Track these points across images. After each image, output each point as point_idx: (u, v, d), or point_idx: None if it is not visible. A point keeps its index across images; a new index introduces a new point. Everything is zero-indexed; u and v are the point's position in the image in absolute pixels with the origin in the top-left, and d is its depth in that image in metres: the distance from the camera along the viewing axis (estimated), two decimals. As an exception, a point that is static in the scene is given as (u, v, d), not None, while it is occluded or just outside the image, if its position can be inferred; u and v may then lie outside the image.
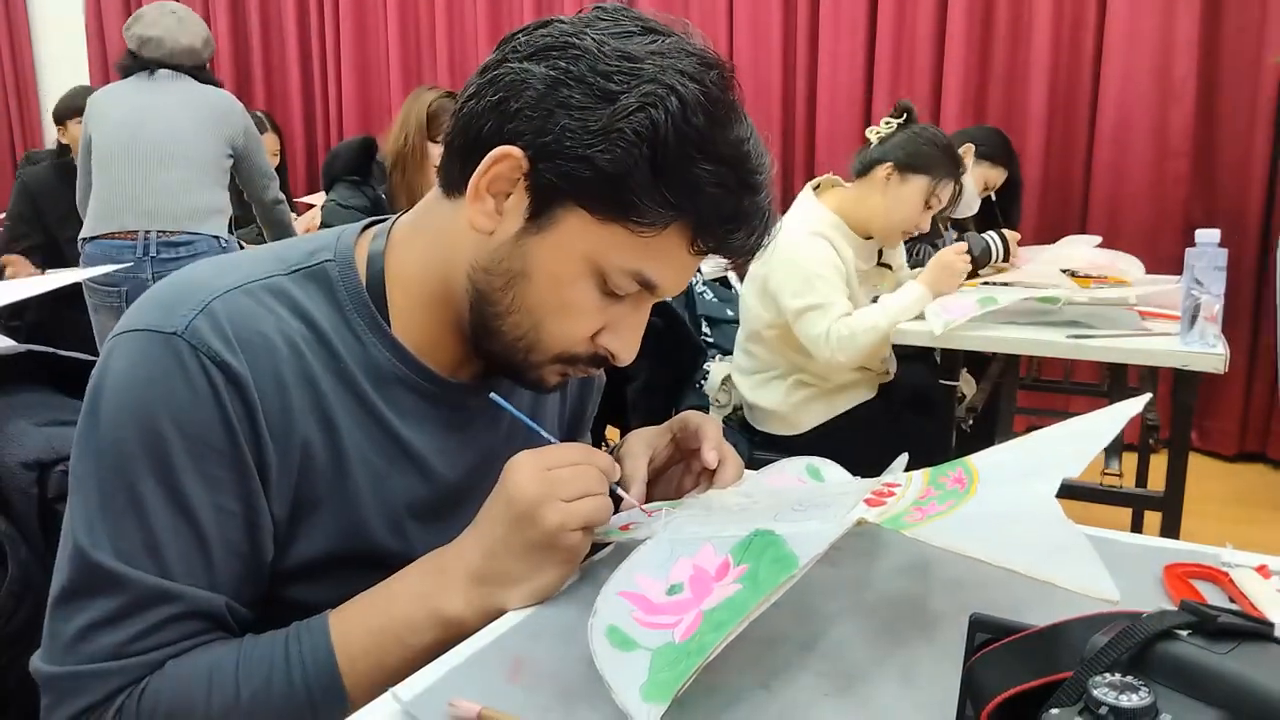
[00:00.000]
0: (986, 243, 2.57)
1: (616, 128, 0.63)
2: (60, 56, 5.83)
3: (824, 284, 2.03)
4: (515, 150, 0.66)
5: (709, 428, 0.83)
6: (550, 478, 0.65)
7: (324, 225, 3.08)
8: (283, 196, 3.00)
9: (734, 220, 0.67)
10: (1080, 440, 0.67)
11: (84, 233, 2.71)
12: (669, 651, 0.54)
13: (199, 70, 2.78)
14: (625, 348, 0.73)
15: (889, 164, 2.10)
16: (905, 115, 2.15)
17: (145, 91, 2.69)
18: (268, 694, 0.63)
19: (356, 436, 0.71)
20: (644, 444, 0.83)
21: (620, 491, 0.73)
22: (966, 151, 2.71)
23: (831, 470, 0.86)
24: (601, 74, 0.64)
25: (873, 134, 2.18)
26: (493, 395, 0.74)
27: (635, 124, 0.63)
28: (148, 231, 2.62)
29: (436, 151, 2.80)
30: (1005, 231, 2.62)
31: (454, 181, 0.71)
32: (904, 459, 0.80)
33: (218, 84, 2.84)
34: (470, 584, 0.66)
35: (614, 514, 0.75)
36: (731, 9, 4.09)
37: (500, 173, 0.67)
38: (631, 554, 0.66)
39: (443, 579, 0.67)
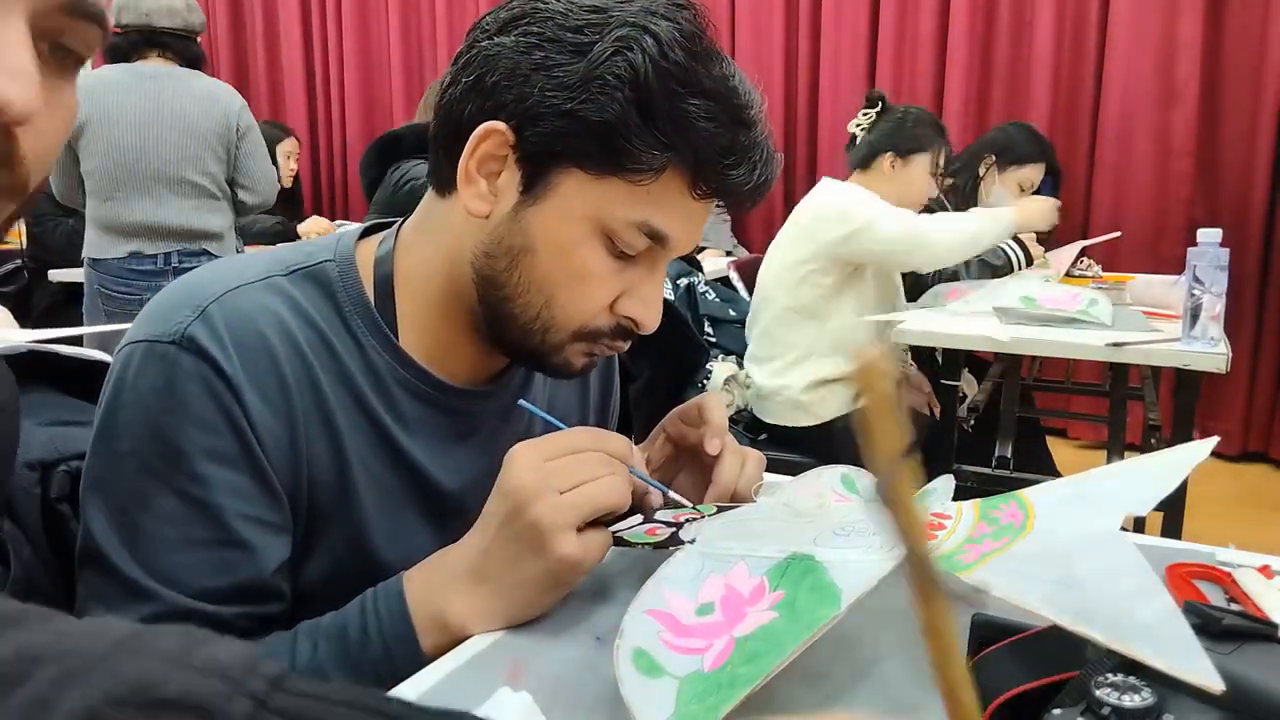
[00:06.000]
0: (1005, 253, 2.57)
1: (595, 75, 0.62)
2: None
3: (864, 205, 2.12)
4: (499, 124, 0.64)
5: (713, 410, 0.78)
6: (547, 468, 0.61)
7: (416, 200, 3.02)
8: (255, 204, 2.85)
9: (731, 154, 0.65)
10: (1144, 480, 0.63)
11: (92, 253, 2.62)
12: (697, 681, 0.52)
13: (188, 45, 2.61)
14: (648, 312, 0.70)
15: (889, 153, 2.21)
16: (880, 104, 2.29)
17: (144, 100, 2.54)
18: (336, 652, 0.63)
19: (357, 441, 0.70)
20: (636, 450, 0.79)
21: (640, 473, 0.69)
22: (987, 164, 2.72)
23: (866, 481, 0.81)
24: (571, 29, 0.63)
25: (855, 128, 2.30)
26: (522, 401, 0.72)
27: (614, 69, 0.62)
28: (167, 253, 2.60)
29: None
30: (1021, 237, 2.61)
31: (444, 177, 0.69)
32: (949, 481, 0.76)
33: (204, 62, 2.69)
34: (471, 585, 0.63)
35: (638, 513, 0.72)
36: (734, 8, 4.09)
37: (488, 150, 0.65)
38: (660, 567, 0.63)
39: (445, 577, 0.64)
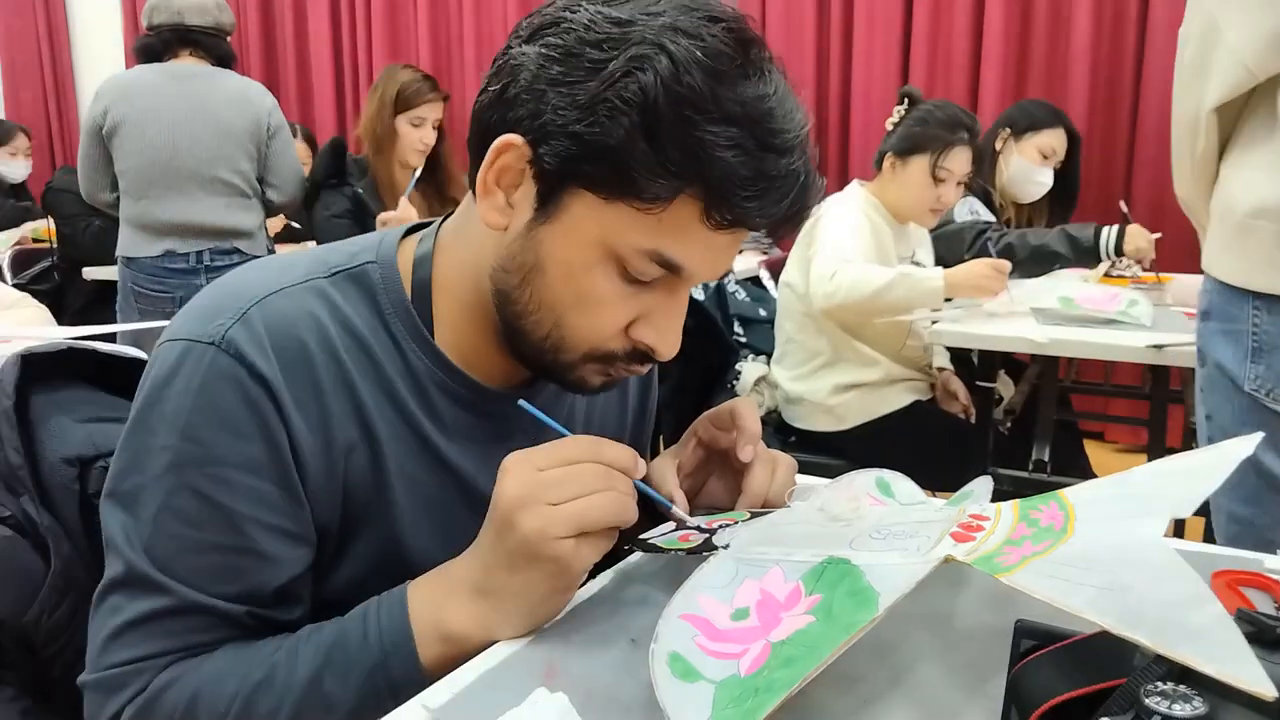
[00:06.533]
0: (1096, 234, 2.44)
1: (604, 98, 0.59)
2: (99, 57, 5.93)
3: (827, 232, 2.08)
4: (516, 138, 0.63)
5: (746, 416, 0.76)
6: (537, 479, 0.59)
7: (318, 241, 3.06)
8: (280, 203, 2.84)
9: (753, 185, 0.60)
10: (1187, 479, 0.61)
11: (126, 252, 2.66)
12: (733, 685, 0.51)
13: (219, 44, 2.64)
14: (662, 340, 0.67)
15: (889, 153, 2.16)
16: (907, 100, 2.21)
17: (177, 100, 2.56)
18: (334, 658, 0.62)
19: (395, 447, 0.70)
20: (667, 455, 0.79)
21: (644, 486, 0.67)
22: (1003, 138, 2.67)
23: (901, 484, 0.80)
24: (590, 44, 0.61)
25: (889, 124, 2.23)
26: (521, 402, 0.69)
27: (623, 91, 0.59)
28: (199, 251, 2.64)
29: (405, 128, 2.63)
30: (1132, 227, 2.48)
31: (475, 181, 0.69)
32: (987, 483, 0.75)
33: (234, 61, 2.71)
34: (471, 597, 0.62)
35: (660, 523, 0.72)
36: (764, 4, 4.08)
37: (506, 163, 0.64)
38: (694, 572, 0.63)
39: (448, 588, 0.63)
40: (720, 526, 0.69)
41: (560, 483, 0.59)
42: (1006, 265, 2.01)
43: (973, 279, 1.98)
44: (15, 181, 4.29)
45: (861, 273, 1.98)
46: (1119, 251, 2.44)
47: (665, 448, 0.83)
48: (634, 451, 0.64)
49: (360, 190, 2.77)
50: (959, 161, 2.11)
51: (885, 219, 2.19)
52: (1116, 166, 3.51)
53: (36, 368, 0.80)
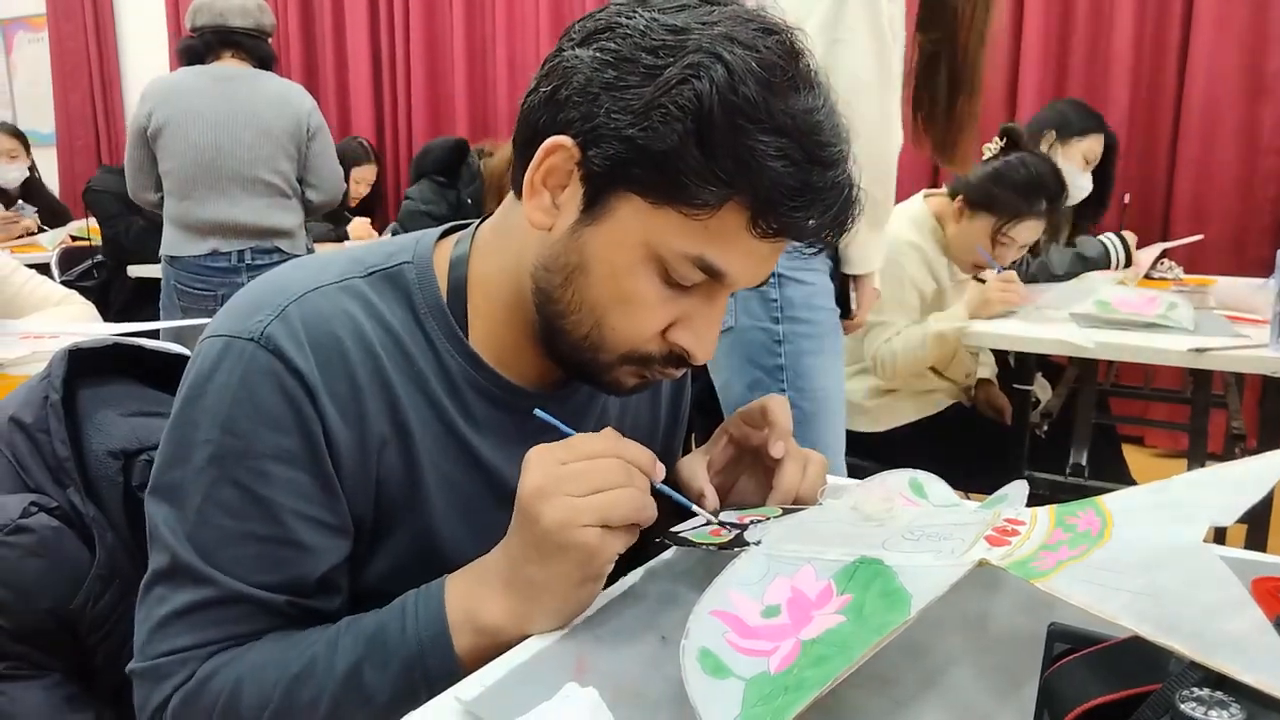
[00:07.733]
0: (1104, 246, 2.48)
1: (659, 104, 0.60)
2: (145, 60, 6.04)
3: (895, 305, 2.05)
4: (566, 139, 0.64)
5: (777, 413, 0.76)
6: (559, 473, 0.60)
7: (399, 226, 3.09)
8: (315, 203, 2.86)
9: (799, 196, 0.61)
10: (1228, 489, 0.60)
11: (170, 251, 2.71)
12: (763, 683, 0.51)
13: (259, 45, 2.68)
14: (699, 344, 0.68)
15: (960, 196, 2.08)
16: (1006, 139, 2.12)
17: (219, 102, 2.60)
18: (373, 649, 0.63)
19: (429, 444, 0.71)
20: (698, 452, 0.79)
21: (663, 487, 0.67)
22: (1048, 142, 2.65)
23: (934, 485, 0.80)
24: (647, 50, 0.61)
25: (987, 151, 2.14)
26: (538, 411, 0.69)
27: (677, 98, 0.60)
28: (241, 250, 2.68)
29: None
30: (1126, 234, 2.53)
31: (520, 181, 0.69)
32: (1023, 487, 0.75)
33: (275, 62, 2.75)
34: (503, 590, 0.63)
35: (680, 523, 0.72)
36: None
37: (554, 164, 0.65)
38: (725, 569, 0.63)
39: (481, 582, 0.64)
40: (752, 522, 0.69)
41: (581, 475, 0.60)
42: (1012, 274, 2.01)
43: (989, 300, 2.01)
44: (8, 187, 4.26)
45: (901, 349, 2.02)
46: (1129, 262, 2.49)
47: (696, 448, 0.83)
48: (653, 454, 0.65)
49: (469, 200, 2.75)
50: (1026, 233, 2.04)
51: (939, 245, 2.14)
52: (1158, 165, 3.45)
53: (84, 363, 0.82)
